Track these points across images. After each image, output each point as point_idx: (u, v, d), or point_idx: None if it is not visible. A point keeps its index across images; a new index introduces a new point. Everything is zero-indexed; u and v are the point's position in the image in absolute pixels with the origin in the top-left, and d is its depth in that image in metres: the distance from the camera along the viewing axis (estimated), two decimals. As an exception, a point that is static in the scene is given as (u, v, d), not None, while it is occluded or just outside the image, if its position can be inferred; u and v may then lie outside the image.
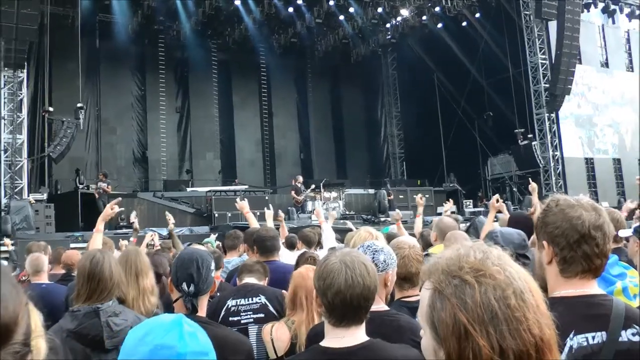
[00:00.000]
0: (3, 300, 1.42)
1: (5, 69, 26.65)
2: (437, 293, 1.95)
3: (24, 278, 8.98)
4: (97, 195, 27.89)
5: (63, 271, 9.27)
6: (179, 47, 41.69)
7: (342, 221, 24.15)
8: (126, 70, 40.76)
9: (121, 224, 28.20)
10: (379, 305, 4.21)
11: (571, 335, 2.73)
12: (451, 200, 14.95)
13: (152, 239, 11.44)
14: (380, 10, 40.67)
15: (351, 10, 40.05)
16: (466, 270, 1.94)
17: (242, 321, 5.84)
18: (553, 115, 36.02)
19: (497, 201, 8.92)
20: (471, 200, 37.13)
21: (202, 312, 4.38)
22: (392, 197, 34.06)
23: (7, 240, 19.07)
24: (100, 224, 7.39)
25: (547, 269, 3.06)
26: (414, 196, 34.98)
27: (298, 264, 6.74)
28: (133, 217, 11.73)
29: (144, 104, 41.57)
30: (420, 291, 2.11)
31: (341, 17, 40.98)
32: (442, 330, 1.91)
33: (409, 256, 4.94)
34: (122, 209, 11.59)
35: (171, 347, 2.34)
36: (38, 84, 31.39)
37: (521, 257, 4.55)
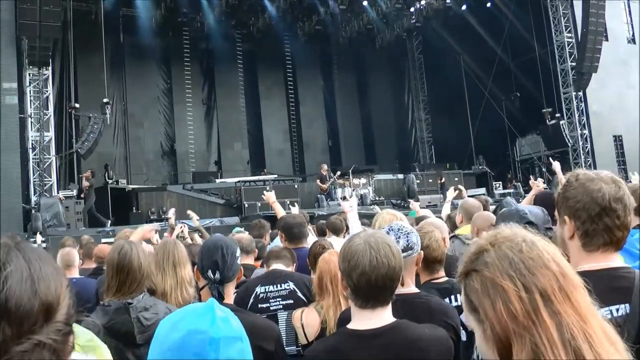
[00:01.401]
0: (45, 280, 1.47)
1: (30, 67, 26.76)
2: (465, 276, 2.04)
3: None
4: (85, 192, 27.84)
5: (94, 265, 9.33)
6: (203, 38, 41.69)
7: (371, 207, 24.17)
8: (151, 63, 40.85)
9: (152, 217, 28.32)
10: (410, 287, 4.24)
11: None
12: (460, 187, 14.78)
13: (182, 231, 11.44)
14: (403, -6, 40.63)
15: (374, -5, 40.04)
16: (482, 243, 2.05)
17: (271, 308, 5.87)
18: (580, 93, 35.77)
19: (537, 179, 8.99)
20: (500, 182, 36.95)
21: (229, 299, 4.41)
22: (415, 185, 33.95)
23: (38, 237, 19.20)
24: (133, 235, 7.42)
25: (569, 243, 3.07)
26: (438, 181, 35.01)
27: (310, 253, 6.75)
28: (171, 214, 11.73)
29: (170, 96, 41.65)
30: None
31: (365, 3, 40.80)
32: (475, 299, 1.98)
33: (437, 239, 4.97)
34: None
35: (204, 332, 2.35)
36: (64, 81, 31.41)
37: (547, 230, 4.59)
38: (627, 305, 2.75)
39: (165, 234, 10.15)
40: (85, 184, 27.79)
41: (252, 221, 13.55)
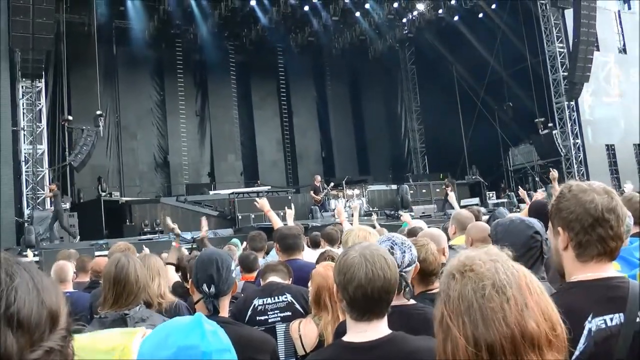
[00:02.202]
0: (47, 290, 1.52)
1: (23, 79, 26.75)
2: (439, 292, 2.09)
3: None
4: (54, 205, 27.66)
5: (88, 279, 9.32)
6: (197, 50, 41.69)
7: (372, 217, 24.23)
8: (144, 75, 40.87)
9: (145, 229, 28.29)
10: (401, 300, 4.25)
11: (589, 318, 2.75)
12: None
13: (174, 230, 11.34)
14: (396, 5, 40.69)
15: (367, 6, 40.10)
16: (456, 267, 2.06)
17: (269, 320, 5.87)
18: (572, 103, 35.87)
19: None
20: (494, 192, 37.02)
21: (224, 312, 4.43)
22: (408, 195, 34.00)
23: (29, 252, 19.12)
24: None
25: (563, 255, 3.10)
26: (436, 190, 35.21)
27: (318, 263, 6.76)
28: (171, 223, 11.56)
29: (164, 108, 41.64)
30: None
31: (357, 14, 40.95)
32: (435, 324, 2.06)
33: (433, 251, 5.01)
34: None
35: (195, 347, 2.36)
36: (57, 93, 31.29)
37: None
38: (621, 314, 2.77)
39: (173, 244, 10.09)
40: (48, 194, 27.50)
41: (247, 232, 13.50)
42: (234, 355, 2.51)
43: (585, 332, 2.74)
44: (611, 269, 3.05)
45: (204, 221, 12.87)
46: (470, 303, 1.91)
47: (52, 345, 1.46)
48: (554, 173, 11.37)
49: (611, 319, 2.78)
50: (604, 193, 3.01)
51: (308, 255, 8.49)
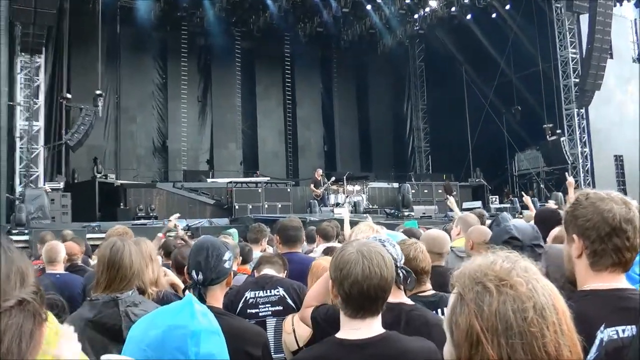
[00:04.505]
0: (15, 251, 1.68)
1: (22, 53, 26.73)
2: (460, 297, 1.99)
3: (38, 267, 8.92)
4: None
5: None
6: (202, 34, 41.76)
7: (364, 215, 24.17)
8: (147, 57, 40.96)
9: (139, 214, 28.31)
10: (401, 298, 4.24)
11: (602, 328, 2.74)
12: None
13: (175, 226, 11.33)
14: (408, 0, 40.61)
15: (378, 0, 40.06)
16: (490, 277, 1.97)
17: (260, 314, 5.89)
18: (582, 110, 35.80)
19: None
20: (497, 196, 36.97)
21: (217, 303, 4.41)
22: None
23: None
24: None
25: (576, 262, 3.10)
26: (438, 191, 35.23)
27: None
28: (173, 218, 11.43)
29: (165, 92, 41.76)
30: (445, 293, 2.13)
31: (368, 7, 40.85)
32: (457, 335, 1.95)
33: (422, 249, 4.98)
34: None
35: (184, 327, 2.34)
36: (56, 70, 31.29)
37: (535, 247, 4.56)
38: (633, 327, 2.75)
39: (159, 234, 10.04)
40: None
41: (243, 223, 13.49)
42: (222, 339, 2.49)
43: (596, 341, 2.73)
44: (624, 280, 3.05)
45: (173, 217, 12.47)
46: (510, 325, 1.84)
47: (24, 297, 1.59)
48: (570, 179, 11.36)
49: (623, 330, 2.78)
50: (622, 203, 3.00)
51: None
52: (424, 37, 46.49)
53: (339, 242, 9.68)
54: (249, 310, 5.85)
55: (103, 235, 12.29)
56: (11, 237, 19.40)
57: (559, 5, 36.10)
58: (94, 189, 29.59)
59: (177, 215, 12.23)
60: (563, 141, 34.87)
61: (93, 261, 9.37)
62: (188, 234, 12.16)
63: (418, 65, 49.80)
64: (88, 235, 19.15)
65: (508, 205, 32.51)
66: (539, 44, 36.22)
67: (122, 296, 4.60)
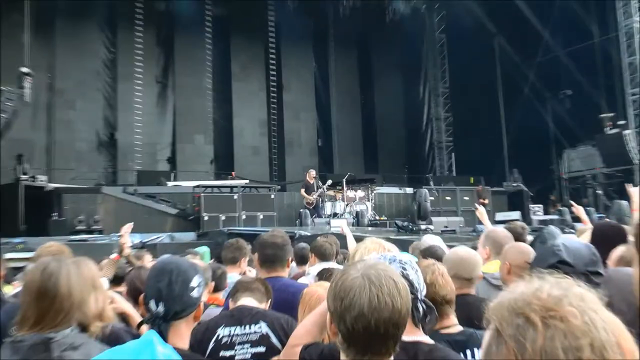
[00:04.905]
0: None
1: None
2: (497, 334, 1.95)
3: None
4: None
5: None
6: (162, -3, 41.56)
7: (368, 229, 24.16)
8: (91, 26, 40.84)
9: (78, 227, 28.19)
10: (419, 336, 4.18)
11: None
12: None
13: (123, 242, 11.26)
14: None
15: (387, -45, 40.09)
16: (534, 307, 1.92)
17: (236, 357, 5.77)
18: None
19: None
20: (541, 206, 36.92)
21: (182, 342, 4.30)
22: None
23: None
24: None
25: (650, 286, 3.05)
26: (464, 198, 35.07)
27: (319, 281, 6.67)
28: (125, 230, 11.31)
29: (114, 70, 41.64)
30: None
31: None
32: None
33: (443, 273, 4.95)
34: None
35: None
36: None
37: (592, 274, 4.51)
38: None
39: (112, 256, 9.96)
40: None
41: (213, 238, 13.45)
42: None
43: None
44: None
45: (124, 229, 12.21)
46: None
47: None
48: (633, 188, 11.31)
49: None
50: None
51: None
52: (446, 2, 46.42)
53: (337, 262, 9.62)
54: (222, 353, 5.74)
55: (30, 254, 12.24)
56: None
57: (620, -40, 35.89)
58: (17, 195, 29.32)
59: (130, 225, 12.12)
60: (627, 135, 34.52)
61: (14, 289, 9.30)
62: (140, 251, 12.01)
63: (437, 38, 49.90)
64: (8, 255, 19.04)
65: (555, 217, 32.47)
66: (594, 11, 36.16)
67: (56, 336, 4.40)
